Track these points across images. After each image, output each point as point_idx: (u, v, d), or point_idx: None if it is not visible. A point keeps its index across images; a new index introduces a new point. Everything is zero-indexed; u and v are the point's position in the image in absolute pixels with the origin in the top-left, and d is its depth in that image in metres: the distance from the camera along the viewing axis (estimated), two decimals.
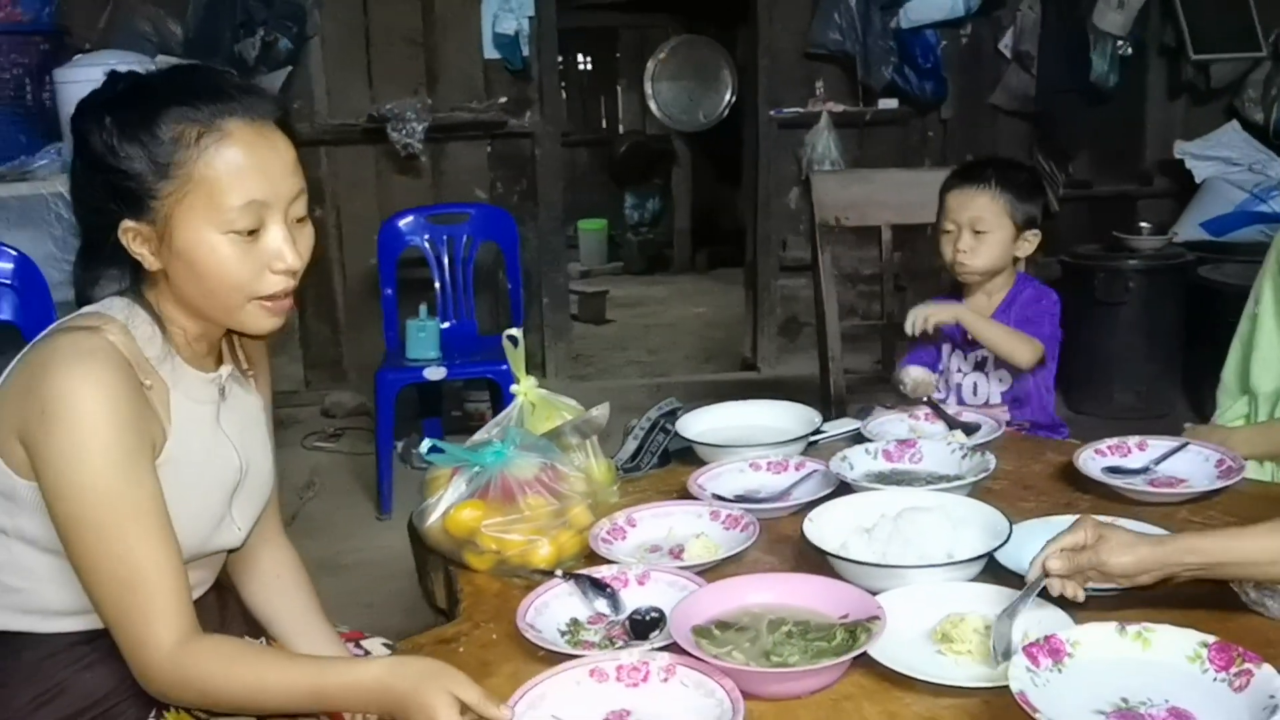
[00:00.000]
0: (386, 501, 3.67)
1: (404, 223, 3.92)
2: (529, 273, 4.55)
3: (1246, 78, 4.96)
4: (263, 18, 4.02)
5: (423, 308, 3.75)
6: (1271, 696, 1.01)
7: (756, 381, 4.84)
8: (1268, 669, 1.05)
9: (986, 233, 2.18)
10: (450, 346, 3.73)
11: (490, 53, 4.54)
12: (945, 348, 2.30)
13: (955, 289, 2.32)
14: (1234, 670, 1.07)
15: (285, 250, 1.23)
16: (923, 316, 2.16)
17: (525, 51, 4.52)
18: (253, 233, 1.21)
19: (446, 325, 3.85)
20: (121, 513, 1.17)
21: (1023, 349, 2.14)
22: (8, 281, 2.44)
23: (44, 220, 2.68)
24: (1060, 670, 1.11)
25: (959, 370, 2.28)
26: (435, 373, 3.58)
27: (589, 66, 9.37)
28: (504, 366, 3.54)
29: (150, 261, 1.23)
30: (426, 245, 3.93)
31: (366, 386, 4.56)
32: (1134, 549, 1.23)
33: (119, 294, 1.28)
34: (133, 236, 1.22)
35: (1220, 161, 4.78)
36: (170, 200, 1.19)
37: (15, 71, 2.96)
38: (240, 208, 1.19)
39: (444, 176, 4.63)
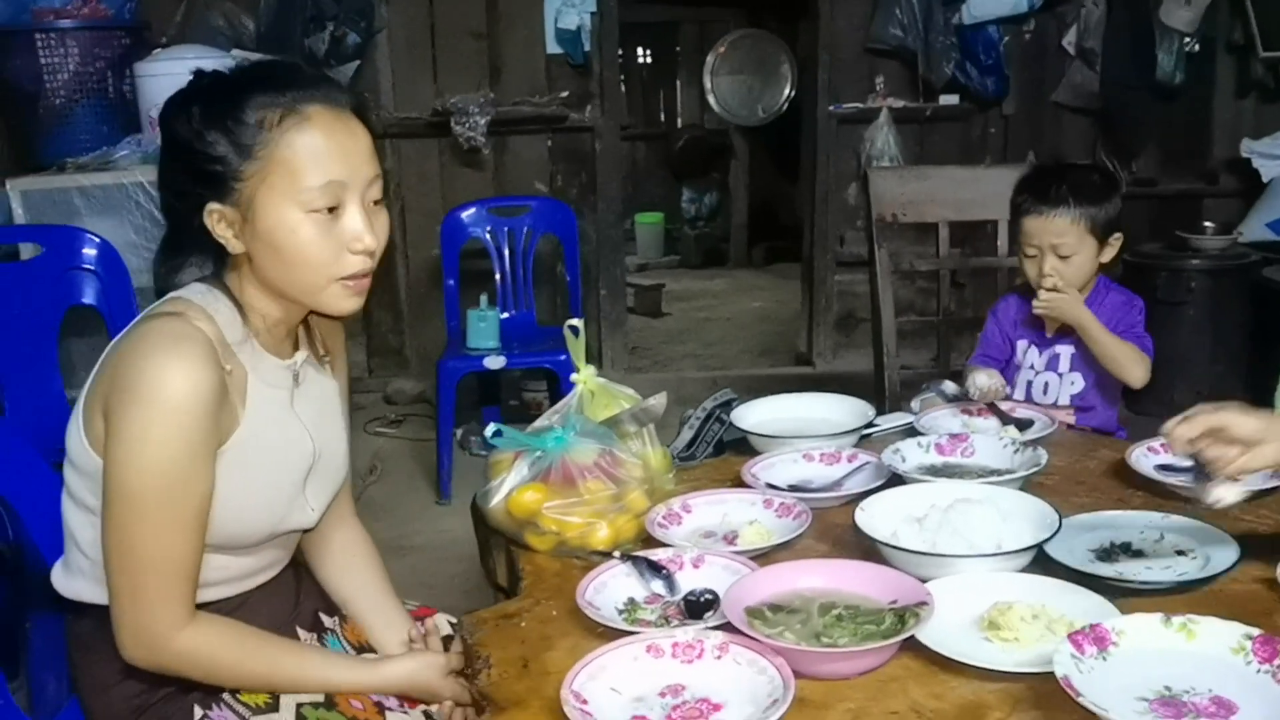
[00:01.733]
0: (446, 487, 3.76)
1: (466, 214, 3.99)
2: (587, 265, 4.61)
3: None
4: (333, 13, 4.12)
5: (483, 298, 3.83)
6: None
7: (812, 376, 4.85)
8: None
9: (1071, 255, 2.14)
10: (510, 336, 3.80)
11: (552, 47, 4.61)
12: (1021, 343, 2.30)
13: (1025, 289, 2.30)
14: (1278, 663, 1.09)
15: (363, 231, 1.29)
16: (1047, 304, 2.16)
17: (587, 46, 4.58)
18: (332, 211, 1.27)
19: (506, 315, 3.92)
20: (171, 500, 1.23)
21: (1137, 368, 2.13)
22: (91, 267, 2.55)
23: (125, 208, 2.79)
24: (1105, 659, 1.14)
25: (1032, 367, 2.28)
26: (495, 362, 3.65)
27: (648, 60, 9.41)
28: (562, 356, 3.62)
29: (234, 245, 1.29)
30: (488, 237, 4.01)
31: (428, 374, 4.66)
32: (1256, 413, 1.26)
33: (200, 280, 1.35)
34: (217, 219, 1.28)
35: None
36: (253, 181, 1.25)
37: (98, 65, 3.07)
38: (320, 187, 1.25)
39: (505, 169, 4.71)
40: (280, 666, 1.34)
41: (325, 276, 1.30)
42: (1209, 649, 1.14)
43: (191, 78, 1.34)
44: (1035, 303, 2.18)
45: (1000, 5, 4.65)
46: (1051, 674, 1.11)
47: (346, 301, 1.33)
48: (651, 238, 8.68)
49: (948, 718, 1.12)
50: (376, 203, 1.33)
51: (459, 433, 4.10)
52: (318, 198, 1.26)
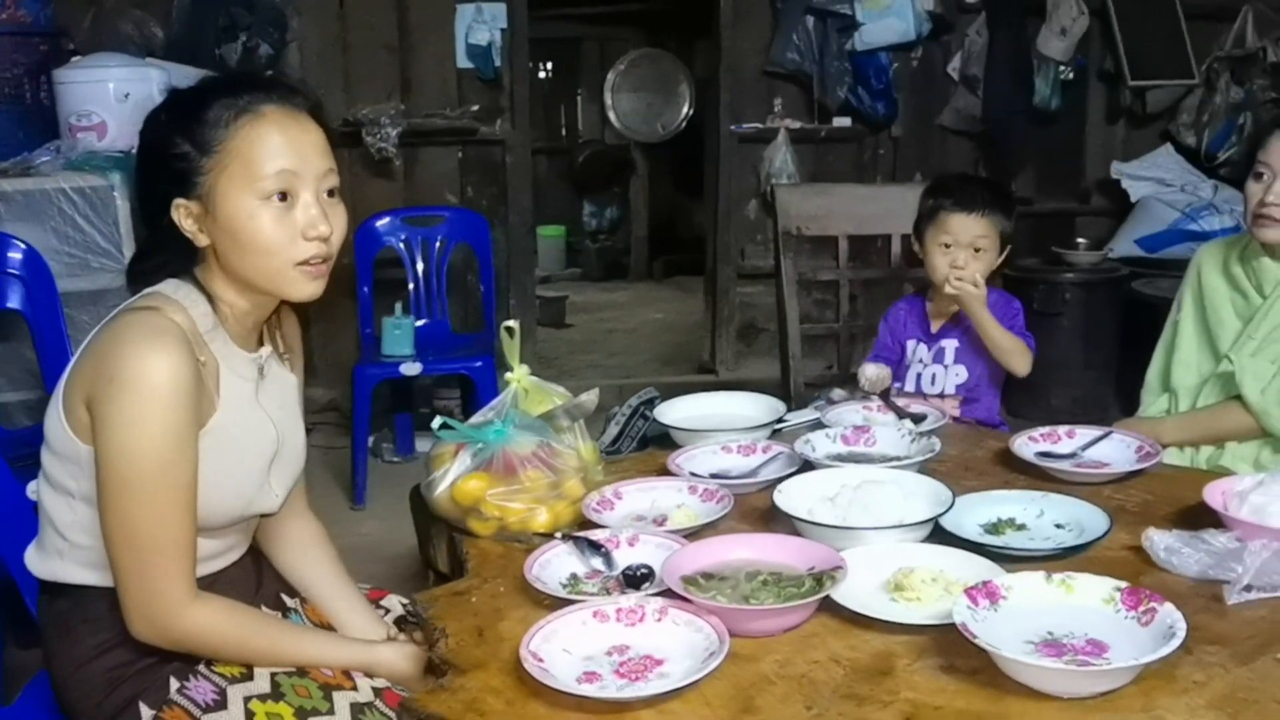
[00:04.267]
0: (361, 493, 3.81)
1: (381, 223, 4.07)
2: (498, 275, 4.70)
3: (1180, 103, 5.25)
4: (246, 23, 4.14)
5: (398, 306, 3.90)
6: (1171, 627, 1.21)
7: (715, 384, 5.01)
8: (1169, 606, 1.25)
9: (983, 250, 2.38)
10: (424, 344, 3.87)
11: (463, 62, 4.70)
12: (910, 343, 2.51)
13: (918, 293, 2.52)
14: (1142, 609, 1.27)
15: (317, 218, 1.38)
16: (959, 287, 2.34)
17: (497, 62, 4.69)
18: (284, 198, 1.37)
19: (421, 323, 4.00)
20: (166, 481, 1.31)
21: (1023, 358, 2.37)
22: (16, 272, 2.57)
23: (47, 214, 2.80)
24: (996, 610, 1.30)
25: (921, 361, 2.49)
26: (411, 368, 3.73)
27: (549, 75, 9.53)
28: (478, 363, 3.72)
29: (199, 238, 1.39)
30: (402, 246, 4.08)
31: (336, 383, 4.69)
32: None
33: (173, 277, 1.43)
34: (184, 214, 1.38)
35: (1155, 182, 5.05)
36: (213, 174, 1.35)
37: (16, 71, 3.08)
38: (273, 175, 1.36)
39: (416, 180, 4.77)
40: (279, 643, 1.43)
41: (282, 261, 1.38)
42: (1084, 600, 1.32)
43: (168, 94, 1.45)
44: (950, 282, 2.36)
45: (890, 33, 4.90)
46: (950, 626, 1.27)
47: (306, 286, 1.42)
48: (553, 250, 8.81)
49: (862, 665, 1.27)
50: (331, 194, 1.43)
51: (371, 440, 4.15)
52: (271, 185, 1.36)
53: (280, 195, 1.37)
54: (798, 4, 4.86)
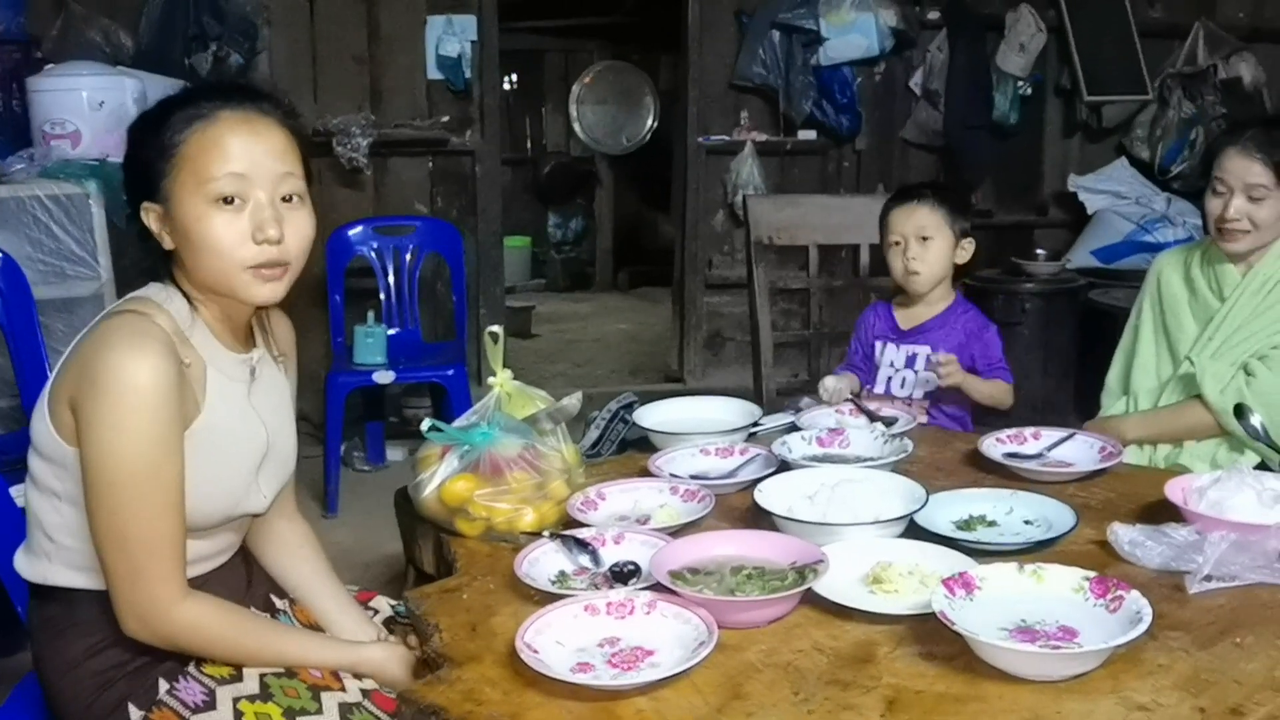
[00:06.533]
0: (334, 502, 3.82)
1: (353, 232, 4.09)
2: (467, 285, 4.73)
3: (1135, 118, 5.39)
4: (216, 33, 4.14)
5: (370, 314, 3.92)
6: (1137, 613, 1.28)
7: (684, 392, 5.05)
8: (1136, 594, 1.32)
9: (931, 239, 2.46)
10: (396, 352, 3.89)
11: (434, 73, 4.73)
12: (879, 344, 2.59)
13: (883, 299, 2.60)
14: (1109, 597, 1.34)
15: (266, 222, 1.38)
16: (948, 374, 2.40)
17: (467, 73, 4.73)
18: (232, 201, 1.38)
19: (392, 332, 4.01)
20: (152, 482, 1.33)
21: (1007, 398, 2.52)
22: None
23: (21, 222, 2.79)
24: (972, 599, 1.36)
25: (891, 365, 2.56)
26: (384, 376, 3.74)
27: (515, 87, 9.56)
28: (450, 371, 3.75)
29: (165, 241, 1.42)
30: (373, 255, 4.10)
31: (304, 391, 4.66)
32: None
33: (156, 280, 1.46)
34: (152, 217, 1.42)
35: (1110, 195, 5.19)
36: (171, 177, 1.39)
37: None
38: (222, 178, 1.37)
39: (386, 190, 4.79)
40: (269, 642, 1.46)
41: (230, 264, 1.39)
42: (1055, 589, 1.38)
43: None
44: (937, 374, 2.42)
45: (853, 49, 4.99)
46: (927, 616, 1.32)
47: (258, 290, 1.42)
48: (519, 261, 8.83)
49: (845, 653, 1.32)
50: (290, 199, 1.43)
51: (341, 449, 4.16)
52: (220, 188, 1.37)
53: (229, 199, 1.38)
54: (764, 19, 4.94)
